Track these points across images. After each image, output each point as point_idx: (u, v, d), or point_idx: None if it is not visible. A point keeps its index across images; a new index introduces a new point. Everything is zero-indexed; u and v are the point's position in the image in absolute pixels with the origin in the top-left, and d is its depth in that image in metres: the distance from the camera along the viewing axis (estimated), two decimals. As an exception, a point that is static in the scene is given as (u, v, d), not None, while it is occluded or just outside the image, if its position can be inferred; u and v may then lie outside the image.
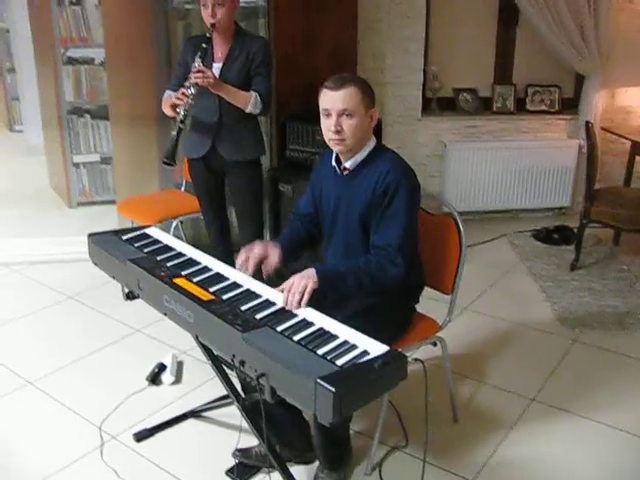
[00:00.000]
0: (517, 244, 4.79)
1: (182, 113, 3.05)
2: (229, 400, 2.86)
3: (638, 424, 2.80)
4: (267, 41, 3.36)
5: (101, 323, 3.66)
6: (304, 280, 2.08)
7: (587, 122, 4.32)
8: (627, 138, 4.81)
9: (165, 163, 3.12)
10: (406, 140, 4.83)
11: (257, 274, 2.32)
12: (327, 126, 2.30)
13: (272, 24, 4.10)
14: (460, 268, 2.56)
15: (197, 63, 3.02)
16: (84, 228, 4.62)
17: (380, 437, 2.54)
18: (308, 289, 2.07)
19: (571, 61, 4.95)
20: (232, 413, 2.82)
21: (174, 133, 3.08)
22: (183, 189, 4.26)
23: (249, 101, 3.13)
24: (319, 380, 1.61)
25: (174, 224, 3.83)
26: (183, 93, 3.03)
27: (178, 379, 3.14)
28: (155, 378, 3.10)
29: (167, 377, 3.12)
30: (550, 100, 5.17)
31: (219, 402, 2.90)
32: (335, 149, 2.37)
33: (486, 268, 4.29)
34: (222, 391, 2.86)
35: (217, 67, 3.17)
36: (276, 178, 3.98)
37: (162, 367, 3.15)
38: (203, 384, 3.09)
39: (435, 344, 2.60)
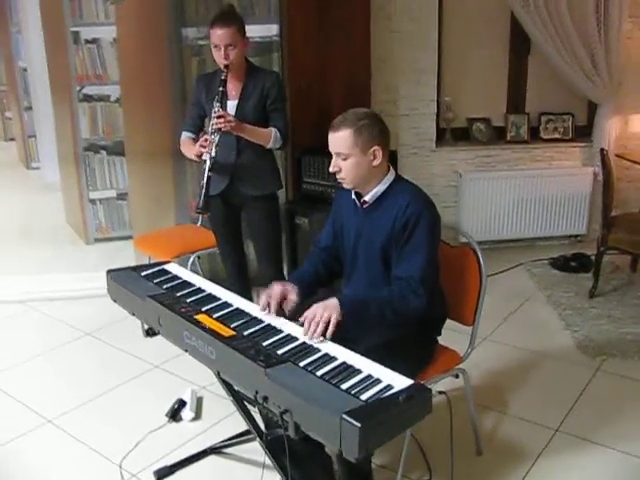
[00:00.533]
0: (534, 273, 4.76)
1: (209, 162, 3.07)
2: (249, 436, 2.84)
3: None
4: (279, 75, 3.40)
5: (119, 359, 3.65)
6: (327, 311, 2.07)
7: (602, 149, 4.32)
8: (642, 164, 4.80)
9: (198, 213, 3.16)
10: (421, 171, 4.84)
11: (279, 313, 2.32)
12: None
13: (286, 59, 4.16)
14: (481, 298, 2.55)
15: (217, 108, 3.04)
16: (101, 264, 4.70)
17: (403, 471, 2.51)
18: (333, 321, 2.06)
19: (583, 89, 4.96)
20: (253, 449, 2.80)
21: (203, 182, 3.09)
22: (199, 224, 4.28)
23: (269, 138, 3.17)
24: (344, 415, 1.60)
25: (191, 259, 3.84)
26: (206, 140, 3.06)
27: (198, 415, 3.12)
28: (175, 414, 3.09)
29: (187, 413, 3.10)
30: (563, 128, 5.17)
31: (239, 438, 2.87)
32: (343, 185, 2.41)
33: (504, 298, 4.26)
34: (242, 427, 2.85)
35: (232, 105, 3.20)
36: (292, 211, 3.99)
37: (182, 403, 3.14)
38: (223, 420, 3.07)
39: (457, 376, 2.58)
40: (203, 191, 3.08)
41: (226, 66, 3.09)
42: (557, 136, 5.19)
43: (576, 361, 3.53)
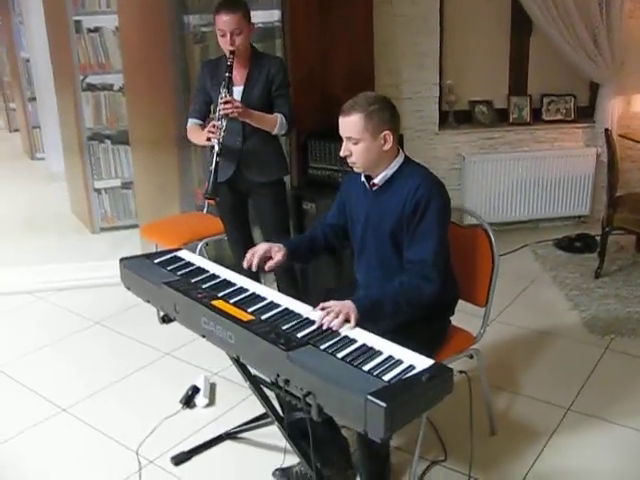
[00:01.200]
0: (540, 254, 4.78)
1: (217, 147, 3.06)
2: (264, 421, 2.87)
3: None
4: (284, 61, 3.39)
5: (130, 347, 3.67)
6: (345, 309, 2.06)
7: (606, 129, 4.32)
8: (646, 144, 4.81)
9: (207, 198, 3.14)
10: (424, 154, 4.83)
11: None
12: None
13: (288, 44, 4.14)
14: (494, 279, 2.56)
15: (223, 94, 3.03)
16: (107, 253, 4.73)
17: (420, 452, 2.53)
18: (353, 318, 2.05)
19: (585, 69, 4.95)
20: (268, 433, 2.82)
21: (211, 168, 3.08)
22: (205, 211, 4.29)
23: (275, 123, 3.17)
24: (369, 396, 1.61)
25: (199, 246, 3.84)
26: (214, 126, 3.06)
27: (211, 401, 3.14)
28: (189, 401, 3.11)
29: (201, 399, 3.12)
30: (566, 109, 5.17)
31: (254, 423, 2.89)
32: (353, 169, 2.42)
33: (511, 279, 4.27)
34: (255, 412, 2.89)
35: (237, 90, 3.20)
36: (299, 197, 4.00)
37: (195, 390, 3.16)
38: (236, 405, 3.09)
39: (472, 356, 2.60)
40: (212, 176, 3.07)
41: (232, 52, 3.08)
42: (559, 117, 5.19)
43: (585, 341, 3.56)
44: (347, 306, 2.09)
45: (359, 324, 2.06)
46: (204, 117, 3.35)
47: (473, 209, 4.93)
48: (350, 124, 2.30)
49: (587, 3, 4.72)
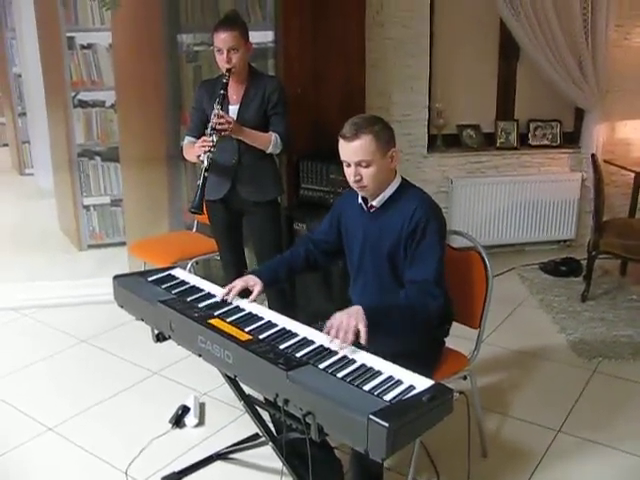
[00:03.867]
0: (526, 277, 4.82)
1: (206, 162, 3.06)
2: (255, 441, 2.85)
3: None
4: (281, 81, 3.42)
5: (117, 367, 3.63)
6: (353, 319, 2.05)
7: (593, 155, 4.39)
8: (631, 170, 4.88)
9: (193, 212, 3.14)
10: (413, 177, 4.77)
11: None
12: (348, 175, 2.35)
13: (281, 65, 4.18)
14: (487, 301, 2.58)
15: (216, 110, 3.04)
16: (95, 271, 4.70)
17: (413, 474, 2.52)
18: (363, 328, 2.03)
19: (571, 96, 5.04)
20: (259, 454, 2.81)
21: (199, 182, 3.09)
22: (195, 230, 4.28)
23: (269, 142, 3.19)
24: (371, 416, 1.61)
25: (189, 265, 3.83)
26: (205, 140, 3.07)
27: (201, 421, 3.12)
28: (178, 421, 3.08)
29: (190, 419, 3.09)
30: (552, 134, 5.24)
31: (245, 444, 2.87)
32: (360, 193, 2.42)
33: (498, 302, 4.21)
34: (246, 432, 2.88)
35: (233, 109, 3.21)
36: (291, 217, 4.00)
37: (185, 409, 3.13)
38: (227, 425, 3.07)
39: (465, 378, 2.61)
40: (199, 190, 3.08)
41: (228, 70, 3.10)
42: (545, 142, 5.26)
43: (573, 363, 3.58)
44: (354, 313, 2.06)
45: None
46: (200, 136, 3.34)
47: (470, 234, 4.98)
48: (360, 147, 2.27)
49: (573, 31, 4.81)
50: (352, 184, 2.36)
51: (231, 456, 2.85)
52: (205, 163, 3.07)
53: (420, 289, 2.27)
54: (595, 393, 3.30)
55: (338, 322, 2.06)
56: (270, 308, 2.44)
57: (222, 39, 3.06)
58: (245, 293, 2.41)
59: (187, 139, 3.35)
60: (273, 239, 3.41)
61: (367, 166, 2.30)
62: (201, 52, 4.29)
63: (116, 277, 2.60)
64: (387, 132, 2.33)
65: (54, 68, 4.98)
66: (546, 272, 4.88)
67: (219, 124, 3.02)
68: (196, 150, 3.11)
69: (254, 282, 2.42)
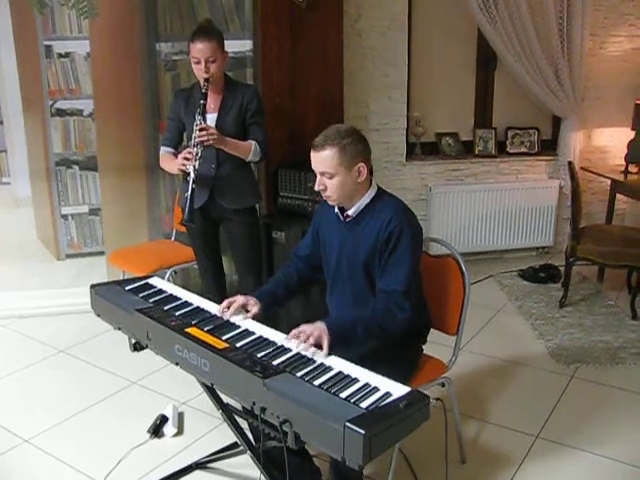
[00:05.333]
0: (505, 284, 4.85)
1: (193, 174, 3.07)
2: (234, 450, 2.84)
3: (637, 455, 2.84)
4: (257, 89, 3.42)
5: (95, 377, 3.60)
6: (317, 331, 2.09)
7: (570, 162, 4.43)
8: (606, 177, 4.94)
9: (185, 225, 3.22)
10: (392, 185, 4.88)
11: None
12: (315, 183, 2.38)
13: (259, 74, 4.17)
14: (465, 308, 2.59)
15: (198, 121, 3.05)
16: (73, 280, 4.67)
17: (391, 481, 2.53)
18: (326, 343, 2.07)
19: (548, 104, 5.09)
20: (238, 463, 2.80)
21: (187, 195, 3.10)
22: (173, 239, 4.27)
23: (249, 151, 3.20)
24: (348, 423, 1.62)
25: (167, 274, 3.82)
26: (189, 152, 3.07)
27: (180, 430, 3.10)
28: (157, 430, 3.05)
29: (169, 429, 3.07)
30: (529, 142, 5.29)
31: (224, 453, 2.86)
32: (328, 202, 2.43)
33: (477, 309, 4.30)
34: (225, 441, 2.87)
35: (211, 118, 3.21)
36: (269, 225, 4.00)
37: (163, 419, 3.11)
38: (205, 435, 3.05)
39: (443, 385, 2.61)
40: (188, 203, 3.08)
41: (206, 80, 3.10)
42: (523, 150, 5.31)
43: (551, 369, 3.61)
44: (319, 328, 2.11)
45: (331, 348, 2.07)
46: (177, 146, 3.37)
47: (446, 241, 5.01)
48: (324, 159, 2.29)
49: (549, 41, 4.87)
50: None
51: (210, 465, 2.83)
52: (192, 175, 3.08)
53: (388, 300, 2.29)
54: (573, 398, 3.33)
55: (300, 331, 2.10)
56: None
57: (199, 49, 3.07)
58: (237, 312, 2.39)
59: (163, 149, 3.35)
60: (252, 247, 3.41)
61: (330, 177, 2.31)
62: (179, 61, 4.29)
63: (93, 286, 2.59)
64: (356, 146, 2.32)
65: (31, 76, 4.94)
66: (525, 279, 4.92)
67: (203, 136, 3.03)
68: (179, 162, 3.11)
69: (254, 302, 2.40)
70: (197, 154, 3.06)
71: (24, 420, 3.19)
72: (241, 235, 3.37)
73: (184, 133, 3.35)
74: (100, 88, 4.29)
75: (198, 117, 3.05)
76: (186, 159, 3.07)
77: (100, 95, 4.30)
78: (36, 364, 3.75)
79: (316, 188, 2.37)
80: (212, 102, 3.23)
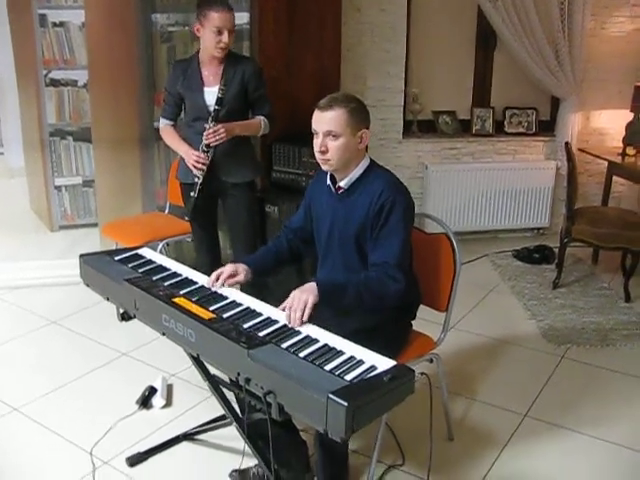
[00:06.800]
0: (498, 264, 4.84)
1: (201, 178, 3.17)
2: (221, 422, 2.85)
3: (624, 436, 2.85)
4: (258, 61, 3.39)
5: (87, 347, 3.60)
6: (304, 295, 2.09)
7: (566, 143, 4.41)
8: (604, 158, 4.91)
9: (189, 221, 3.34)
10: (388, 162, 4.85)
11: None
12: (315, 145, 2.34)
13: (256, 47, 4.13)
14: (455, 285, 2.58)
15: (209, 125, 3.08)
16: (66, 251, 4.64)
17: (377, 456, 2.53)
18: (309, 304, 2.07)
19: (547, 84, 5.05)
20: (226, 435, 2.81)
21: (193, 194, 3.20)
22: (167, 211, 4.25)
23: (260, 127, 3.24)
24: (331, 395, 1.61)
25: (160, 246, 3.81)
26: (200, 157, 3.14)
27: (169, 402, 3.10)
28: (145, 401, 3.06)
29: (158, 400, 3.07)
30: (527, 122, 5.26)
31: (211, 424, 2.87)
32: (323, 168, 2.41)
33: (470, 288, 4.31)
34: (213, 413, 2.87)
35: (212, 92, 3.18)
36: (262, 200, 3.98)
37: (152, 390, 3.11)
38: (194, 407, 3.06)
39: (431, 361, 2.61)
40: (194, 201, 3.19)
41: (222, 50, 3.10)
42: (521, 130, 5.28)
43: (542, 349, 3.61)
44: (307, 288, 2.11)
45: (319, 305, 2.09)
46: (176, 117, 3.38)
47: (439, 218, 5.00)
48: (332, 118, 2.27)
49: (550, 21, 4.83)
50: (317, 155, 2.34)
51: (198, 437, 2.84)
52: (201, 179, 3.16)
53: (380, 271, 2.27)
54: (563, 379, 3.33)
55: (291, 301, 2.09)
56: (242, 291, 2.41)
57: (224, 19, 3.05)
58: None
59: (163, 122, 3.36)
60: (248, 221, 3.41)
61: (335, 138, 2.28)
62: (175, 32, 4.25)
63: (82, 256, 2.57)
64: (362, 112, 2.34)
65: (25, 46, 4.87)
66: (519, 259, 4.91)
67: (211, 138, 3.08)
68: (191, 163, 3.17)
69: (243, 269, 2.39)
70: (209, 159, 3.15)
71: (14, 389, 3.19)
72: (239, 209, 3.37)
73: (182, 105, 3.34)
74: (95, 59, 4.23)
75: (210, 123, 3.09)
76: (197, 163, 3.15)
77: (95, 66, 4.25)
78: (28, 334, 3.75)
79: (318, 149, 2.32)
80: (211, 74, 3.20)
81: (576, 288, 4.41)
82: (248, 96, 3.25)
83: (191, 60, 3.25)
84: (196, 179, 3.18)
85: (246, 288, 3.31)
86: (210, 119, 3.09)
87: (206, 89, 3.19)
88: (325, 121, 2.29)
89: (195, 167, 3.16)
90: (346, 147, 2.30)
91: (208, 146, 3.12)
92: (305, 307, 2.07)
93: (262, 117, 3.26)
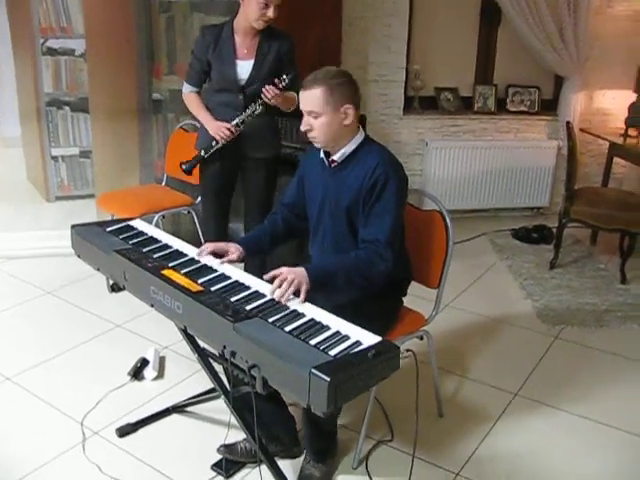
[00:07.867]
0: (497, 242, 4.82)
1: (220, 145, 3.15)
2: (212, 395, 2.86)
3: (612, 415, 2.86)
4: (292, 38, 3.28)
5: (81, 318, 3.60)
6: (297, 279, 2.06)
7: (568, 122, 4.37)
8: (605, 139, 4.86)
9: (184, 172, 3.24)
10: (388, 138, 4.84)
11: None
12: (301, 123, 2.35)
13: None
14: (447, 261, 2.57)
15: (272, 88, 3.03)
16: (62, 222, 4.60)
17: (366, 431, 2.54)
18: (303, 291, 2.05)
19: (551, 63, 5.00)
20: (215, 408, 2.82)
21: (203, 153, 3.16)
22: (164, 183, 4.24)
23: (295, 103, 3.14)
24: (313, 370, 1.60)
25: (155, 219, 3.79)
26: (229, 129, 3.10)
27: (160, 374, 3.11)
28: (137, 373, 3.06)
29: (149, 372, 3.08)
30: (530, 101, 5.21)
31: (202, 397, 2.88)
32: (314, 144, 2.39)
33: (467, 266, 4.31)
34: (204, 386, 2.88)
35: (247, 65, 3.13)
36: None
37: (144, 362, 3.11)
38: (185, 379, 3.06)
39: (422, 338, 2.60)
40: (198, 159, 3.17)
41: (266, 22, 3.05)
42: (523, 108, 5.23)
43: (536, 329, 3.60)
44: (299, 274, 2.08)
45: (310, 292, 2.07)
46: (201, 85, 3.31)
47: (434, 194, 4.97)
48: (311, 98, 2.27)
49: (556, -3, 4.76)
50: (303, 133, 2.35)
51: (187, 409, 2.85)
52: (219, 145, 3.14)
53: (371, 250, 2.26)
54: (555, 359, 3.33)
55: (282, 276, 2.08)
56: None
57: None
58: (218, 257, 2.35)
59: (188, 87, 3.30)
60: (266, 197, 3.38)
61: (316, 117, 2.28)
62: (174, 3, 4.19)
63: (74, 226, 2.56)
64: (346, 88, 2.29)
65: (21, 13, 4.82)
66: (517, 238, 4.90)
67: (269, 99, 3.05)
68: (218, 131, 3.13)
69: (235, 249, 2.38)
70: (238, 131, 3.12)
71: (7, 359, 3.20)
72: (259, 185, 3.34)
73: (209, 74, 3.25)
74: (92, 28, 4.19)
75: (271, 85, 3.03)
76: (224, 134, 3.11)
77: (92, 35, 4.20)
78: (22, 304, 3.75)
79: (302, 128, 2.34)
80: (245, 47, 3.14)
81: (573, 269, 4.39)
82: (280, 72, 3.14)
83: (223, 27, 3.17)
84: (214, 142, 3.13)
85: (250, 268, 3.32)
86: (259, 103, 3.07)
87: (239, 62, 3.13)
88: (306, 100, 2.29)
89: (223, 134, 3.10)
90: (329, 125, 2.28)
91: (243, 122, 3.09)
92: (297, 290, 2.06)
93: (296, 94, 3.15)
